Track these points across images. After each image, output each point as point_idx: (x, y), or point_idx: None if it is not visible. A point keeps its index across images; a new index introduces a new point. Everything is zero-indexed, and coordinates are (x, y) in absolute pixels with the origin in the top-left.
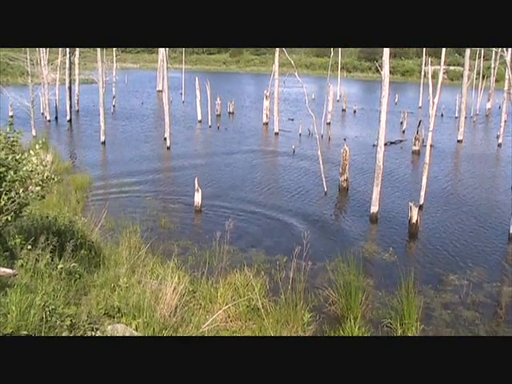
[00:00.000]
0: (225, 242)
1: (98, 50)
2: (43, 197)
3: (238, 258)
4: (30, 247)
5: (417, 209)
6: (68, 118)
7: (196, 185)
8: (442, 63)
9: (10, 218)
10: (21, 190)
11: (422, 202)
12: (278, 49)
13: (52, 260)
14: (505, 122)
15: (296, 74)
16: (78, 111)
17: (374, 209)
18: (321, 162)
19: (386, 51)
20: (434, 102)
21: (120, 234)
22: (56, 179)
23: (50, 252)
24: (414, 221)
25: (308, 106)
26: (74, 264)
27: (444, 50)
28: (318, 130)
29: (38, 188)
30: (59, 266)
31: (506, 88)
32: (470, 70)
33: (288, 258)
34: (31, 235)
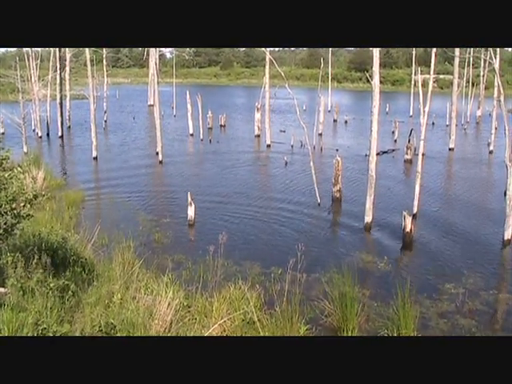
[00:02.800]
0: (219, 256)
1: (89, 65)
2: (31, 216)
3: (233, 271)
4: (21, 265)
5: (410, 218)
6: (60, 134)
7: (189, 199)
8: (432, 72)
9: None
10: (9, 210)
11: (415, 210)
12: (268, 61)
13: (44, 278)
14: (495, 129)
15: (287, 85)
16: (69, 127)
17: (368, 219)
18: (313, 173)
19: (376, 61)
20: (424, 111)
21: (113, 250)
22: (46, 196)
23: (43, 270)
24: (407, 230)
25: (299, 117)
26: (66, 281)
27: (433, 58)
28: (309, 141)
29: (28, 207)
30: (51, 284)
31: (495, 95)
32: (459, 78)
33: (283, 269)
34: (23, 253)
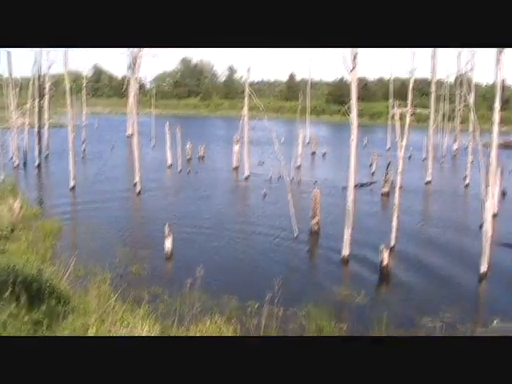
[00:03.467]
0: (196, 288)
1: (68, 94)
2: (6, 250)
3: (210, 305)
4: None
5: (388, 251)
6: (37, 162)
7: (166, 231)
8: (409, 106)
9: None
10: None
11: (392, 243)
12: (247, 93)
13: (18, 311)
14: (471, 162)
15: (265, 118)
16: (47, 156)
17: (346, 252)
18: (291, 206)
19: (354, 95)
20: (402, 145)
21: (89, 282)
22: (22, 227)
23: (16, 303)
24: (385, 263)
25: (277, 150)
26: (40, 315)
27: (410, 92)
28: (287, 173)
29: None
30: (25, 318)
31: (470, 130)
32: (436, 112)
33: (260, 303)
34: None
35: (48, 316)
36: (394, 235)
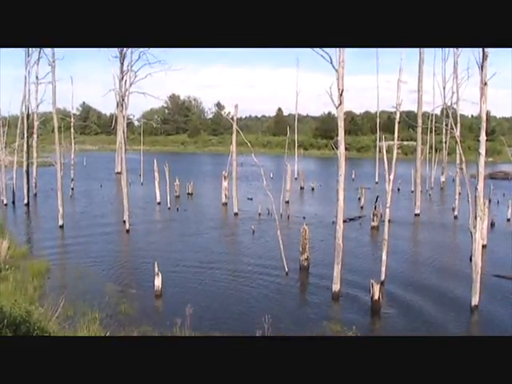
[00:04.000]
0: (186, 327)
1: (56, 132)
2: None
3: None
4: None
5: (378, 285)
6: (25, 201)
7: (156, 269)
8: (396, 139)
9: None
10: None
11: (383, 277)
12: (234, 129)
13: None
14: (459, 194)
15: (253, 155)
16: (35, 194)
17: (336, 287)
18: (280, 242)
19: (341, 130)
20: (389, 179)
21: (78, 322)
22: (9, 268)
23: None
24: (376, 297)
25: (266, 186)
26: None
27: (397, 126)
28: (276, 209)
29: None
30: None
31: (457, 162)
32: (422, 144)
33: None
34: None
35: None
36: (383, 268)
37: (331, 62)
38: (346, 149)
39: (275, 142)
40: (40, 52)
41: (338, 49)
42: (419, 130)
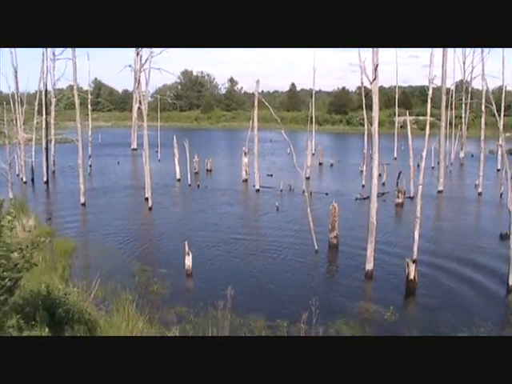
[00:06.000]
0: (221, 307)
1: (78, 109)
2: (28, 268)
3: (237, 324)
4: (22, 326)
5: (414, 265)
6: (45, 179)
7: (186, 248)
8: (429, 112)
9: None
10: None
11: (415, 256)
12: (256, 104)
13: None
14: (483, 170)
15: (282, 131)
16: (54, 172)
17: (369, 266)
18: (310, 220)
19: (376, 106)
20: (422, 156)
21: (113, 304)
22: (42, 245)
23: (40, 330)
24: (411, 277)
25: (296, 163)
26: None
27: (429, 101)
28: (298, 185)
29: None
30: None
31: (482, 137)
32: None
33: (288, 322)
34: (25, 313)
35: None
36: (416, 247)
37: None
38: (361, 124)
39: (289, 117)
40: None
41: None
42: (443, 104)
